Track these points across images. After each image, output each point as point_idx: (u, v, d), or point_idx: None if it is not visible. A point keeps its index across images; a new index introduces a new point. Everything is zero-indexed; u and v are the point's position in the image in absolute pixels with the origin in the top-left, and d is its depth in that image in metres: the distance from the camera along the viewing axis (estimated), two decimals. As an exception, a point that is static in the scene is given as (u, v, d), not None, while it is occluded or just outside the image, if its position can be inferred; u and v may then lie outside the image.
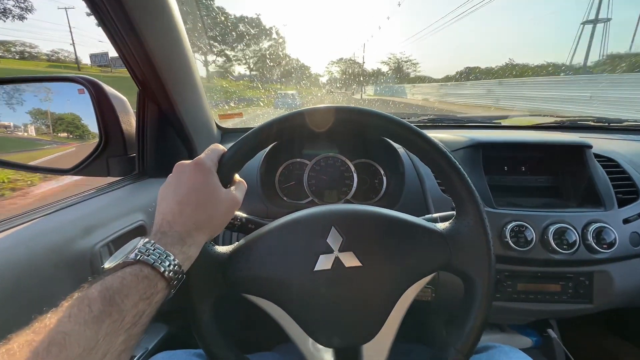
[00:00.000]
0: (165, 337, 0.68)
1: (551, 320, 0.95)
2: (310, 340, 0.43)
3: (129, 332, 0.29)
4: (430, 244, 0.44)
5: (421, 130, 0.45)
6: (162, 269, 0.33)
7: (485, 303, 0.42)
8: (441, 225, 0.46)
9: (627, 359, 0.98)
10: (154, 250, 0.33)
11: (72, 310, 0.26)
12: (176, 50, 0.70)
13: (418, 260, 0.44)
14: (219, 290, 0.43)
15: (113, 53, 0.63)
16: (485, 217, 0.43)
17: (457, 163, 0.45)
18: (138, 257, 0.32)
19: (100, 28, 0.60)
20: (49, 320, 0.26)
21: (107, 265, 0.33)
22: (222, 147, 0.44)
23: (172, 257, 0.34)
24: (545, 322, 0.95)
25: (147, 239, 0.34)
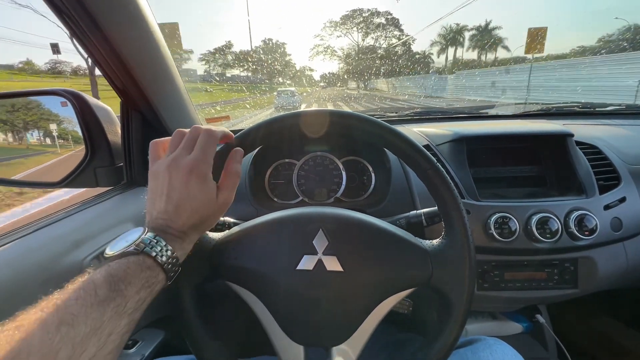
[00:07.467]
0: (161, 343, 0.69)
1: (540, 305, 0.98)
2: (284, 335, 0.45)
3: (131, 317, 0.31)
4: (414, 260, 0.44)
5: (420, 145, 0.45)
6: (163, 262, 0.35)
7: (459, 324, 0.43)
8: (427, 243, 0.46)
9: (617, 337, 1.01)
10: (156, 243, 0.35)
11: (79, 293, 0.28)
12: (153, 57, 0.69)
13: (399, 274, 0.44)
14: (203, 274, 0.44)
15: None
16: (472, 241, 0.44)
17: (452, 185, 0.45)
18: (142, 249, 0.34)
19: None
20: (57, 300, 0.27)
21: (109, 252, 0.35)
22: (215, 139, 0.41)
23: (172, 251, 0.36)
24: (535, 308, 0.98)
25: (149, 232, 0.36)
